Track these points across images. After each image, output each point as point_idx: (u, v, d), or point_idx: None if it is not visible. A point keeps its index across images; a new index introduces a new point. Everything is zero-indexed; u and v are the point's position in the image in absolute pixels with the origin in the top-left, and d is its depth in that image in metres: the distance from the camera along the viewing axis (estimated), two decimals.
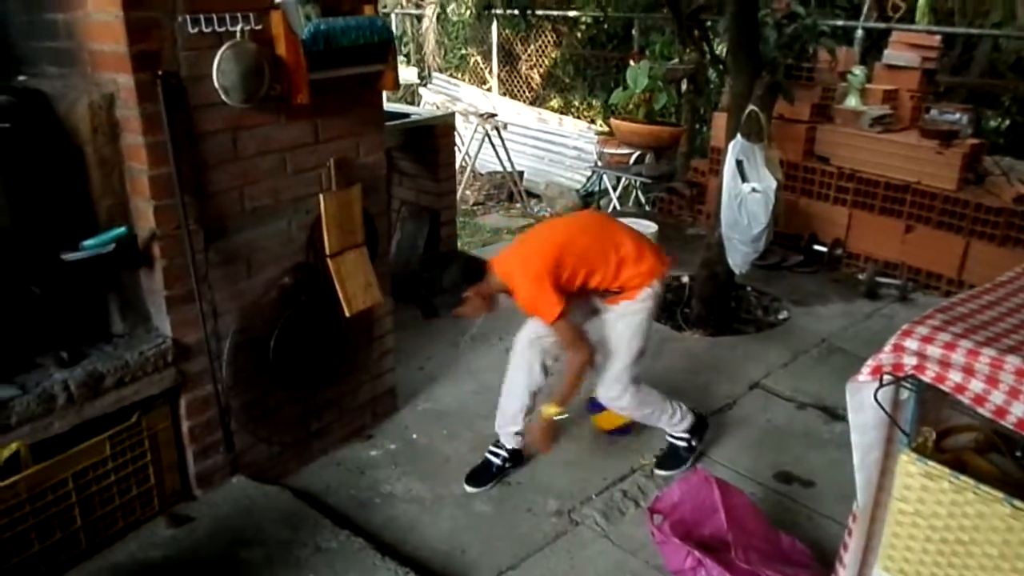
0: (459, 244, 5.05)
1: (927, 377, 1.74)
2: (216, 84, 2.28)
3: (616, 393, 2.83)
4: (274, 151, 2.54)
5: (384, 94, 3.02)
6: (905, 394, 1.86)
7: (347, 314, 2.74)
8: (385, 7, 10.67)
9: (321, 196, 2.65)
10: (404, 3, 10.96)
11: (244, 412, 2.64)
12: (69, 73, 2.34)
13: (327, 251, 2.68)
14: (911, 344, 1.75)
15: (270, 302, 2.61)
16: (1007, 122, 7.20)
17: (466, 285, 2.68)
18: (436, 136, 4.33)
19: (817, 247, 5.15)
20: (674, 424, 2.97)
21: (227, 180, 2.43)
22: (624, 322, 2.77)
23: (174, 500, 2.56)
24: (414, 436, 3.16)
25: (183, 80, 2.25)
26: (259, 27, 2.35)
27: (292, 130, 2.57)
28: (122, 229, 2.29)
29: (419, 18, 10.58)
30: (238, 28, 2.29)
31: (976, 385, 1.66)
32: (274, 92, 2.42)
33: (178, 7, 2.19)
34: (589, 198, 6.75)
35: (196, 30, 2.22)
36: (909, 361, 1.76)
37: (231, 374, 2.55)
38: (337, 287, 2.70)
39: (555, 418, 2.74)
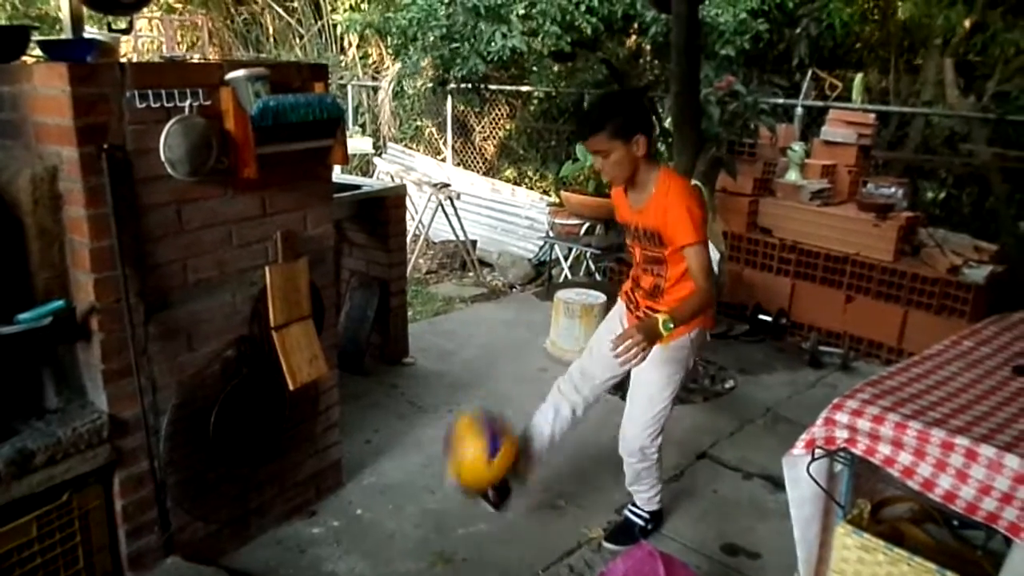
0: (410, 314, 5.05)
1: (858, 450, 1.78)
2: (163, 158, 2.28)
3: (646, 441, 2.75)
4: (220, 224, 2.54)
5: (335, 167, 3.05)
6: (839, 467, 1.91)
7: (291, 387, 2.70)
8: (342, 79, 10.84)
9: (267, 268, 2.64)
10: (360, 75, 11.14)
11: (181, 489, 2.57)
12: (12, 145, 2.32)
13: (272, 323, 2.66)
14: (842, 417, 1.80)
15: (212, 375, 2.57)
16: (943, 194, 7.50)
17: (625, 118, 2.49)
18: (387, 207, 4.37)
19: (762, 317, 5.26)
20: (650, 500, 2.95)
21: (171, 252, 2.42)
22: (667, 360, 2.67)
23: None
24: (358, 512, 3.10)
25: (129, 153, 2.25)
26: (208, 102, 2.38)
27: (239, 203, 2.58)
28: (60, 302, 2.25)
29: (375, 90, 10.75)
30: (187, 103, 2.32)
31: (904, 458, 1.71)
32: (221, 166, 2.43)
33: (126, 82, 2.21)
34: (541, 267, 6.81)
35: (144, 105, 2.24)
36: (840, 434, 1.80)
37: (168, 450, 2.49)
38: (281, 360, 2.67)
39: (661, 327, 2.36)
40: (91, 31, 2.84)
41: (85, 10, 2.62)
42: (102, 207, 2.20)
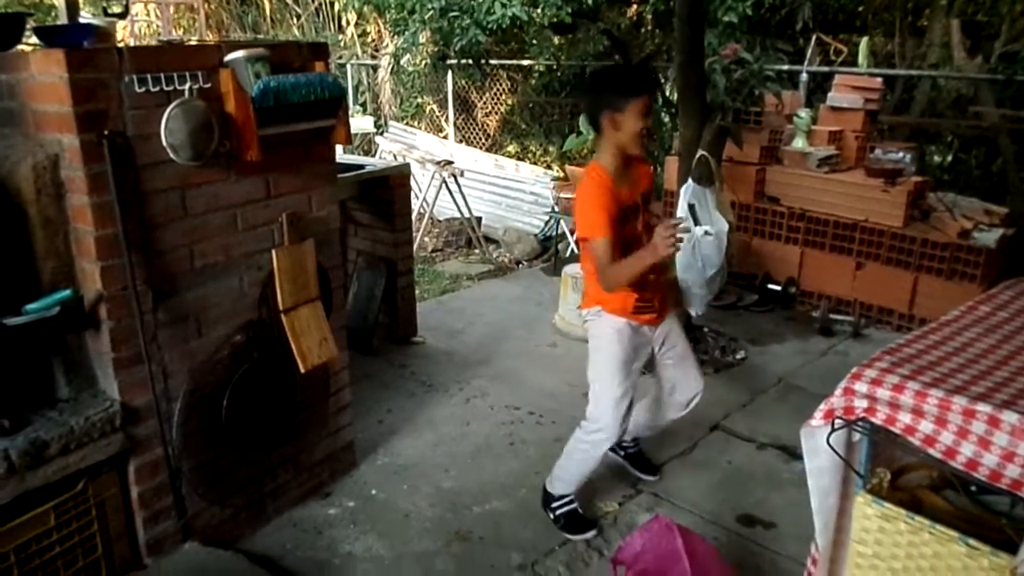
0: (417, 292, 5.03)
1: (878, 419, 1.76)
2: (164, 142, 2.26)
3: None
4: (224, 208, 2.51)
5: (338, 146, 3.02)
6: (857, 436, 1.89)
7: (302, 370, 2.69)
8: (340, 58, 10.75)
9: (273, 251, 2.62)
10: (360, 54, 11.05)
11: (196, 475, 2.57)
12: (12, 133, 2.29)
13: (280, 307, 2.64)
14: (861, 387, 1.77)
15: (222, 360, 2.56)
16: (950, 157, 7.43)
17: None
18: (391, 187, 4.34)
19: (771, 286, 5.23)
20: (558, 486, 2.88)
21: (176, 238, 2.40)
22: None
23: (123, 570, 2.46)
24: (373, 492, 3.10)
25: (130, 139, 2.22)
26: (208, 85, 2.34)
27: (243, 186, 2.55)
28: (67, 292, 2.23)
29: (375, 68, 10.67)
30: (186, 87, 2.28)
31: (926, 426, 1.68)
32: (224, 149, 2.41)
33: (125, 67, 2.18)
34: (548, 242, 6.79)
35: (143, 89, 2.21)
36: (860, 404, 1.78)
37: (182, 436, 2.49)
38: (291, 343, 2.66)
39: None
40: (87, 16, 2.80)
41: None
42: (105, 194, 2.18)
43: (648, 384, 3.08)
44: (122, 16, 3.00)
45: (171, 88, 2.26)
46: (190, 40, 4.03)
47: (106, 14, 2.92)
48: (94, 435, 2.27)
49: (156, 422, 2.42)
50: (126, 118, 2.21)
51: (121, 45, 2.39)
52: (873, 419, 1.77)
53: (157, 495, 2.49)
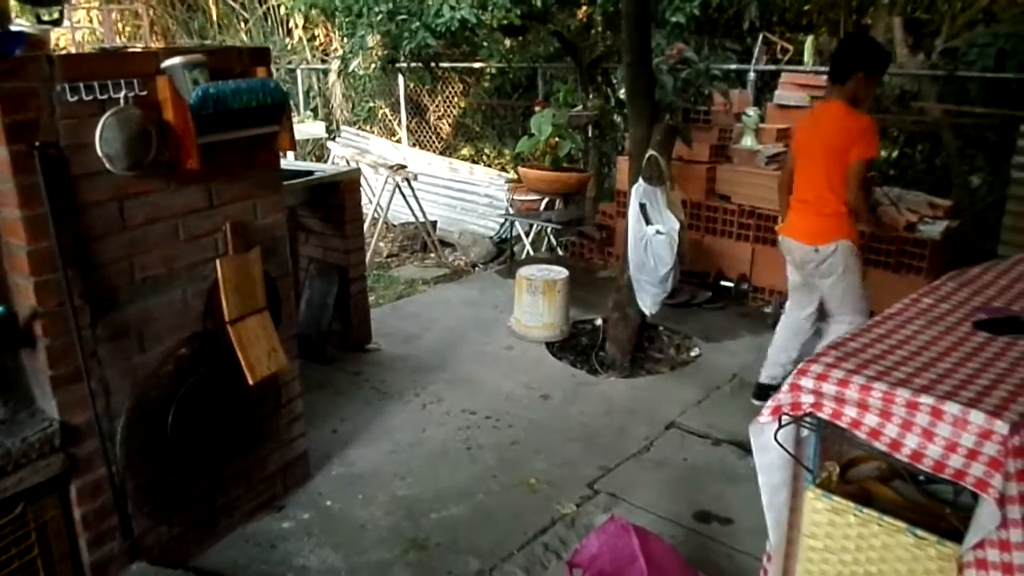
0: (372, 298, 4.98)
1: (824, 414, 1.77)
2: (99, 152, 2.20)
3: None
4: (165, 218, 2.45)
5: (289, 153, 2.97)
6: (806, 431, 1.90)
7: (251, 382, 2.64)
8: (291, 63, 10.62)
9: (217, 262, 2.57)
10: (309, 58, 10.93)
11: (142, 493, 2.49)
12: None
13: (226, 318, 2.58)
14: (807, 382, 1.79)
15: (167, 375, 2.50)
16: (895, 152, 7.58)
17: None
18: (342, 192, 4.29)
19: (724, 283, 5.29)
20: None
21: (114, 251, 2.33)
22: None
23: None
24: (328, 503, 3.05)
25: (63, 149, 2.15)
26: (144, 93, 2.28)
27: (184, 196, 2.49)
28: None
29: (325, 72, 10.56)
30: (121, 95, 2.22)
31: (871, 419, 1.70)
32: (163, 158, 2.35)
33: (56, 75, 2.11)
34: (503, 244, 6.77)
35: (76, 98, 2.14)
36: (806, 399, 1.79)
37: (126, 454, 2.42)
38: (239, 354, 2.61)
39: None
40: (21, 24, 2.71)
41: (12, 2, 2.50)
42: (37, 207, 2.11)
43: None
44: (56, 23, 2.92)
45: (105, 96, 2.20)
46: (133, 47, 3.94)
47: (39, 21, 2.84)
48: (32, 456, 2.19)
49: (98, 441, 2.35)
50: (59, 128, 2.14)
51: (52, 53, 2.31)
52: (820, 414, 1.78)
53: (101, 516, 2.42)
